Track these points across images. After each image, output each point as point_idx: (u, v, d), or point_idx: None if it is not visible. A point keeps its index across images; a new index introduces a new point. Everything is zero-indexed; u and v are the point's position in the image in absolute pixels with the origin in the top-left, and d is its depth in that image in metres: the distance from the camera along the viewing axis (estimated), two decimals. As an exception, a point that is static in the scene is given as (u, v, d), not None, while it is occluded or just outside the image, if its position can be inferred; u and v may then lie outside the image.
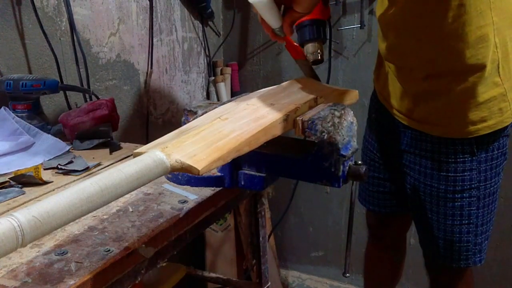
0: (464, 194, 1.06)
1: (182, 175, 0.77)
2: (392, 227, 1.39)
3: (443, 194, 1.08)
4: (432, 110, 1.04)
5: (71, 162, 0.92)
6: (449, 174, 1.06)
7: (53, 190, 0.82)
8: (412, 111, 1.09)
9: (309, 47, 0.99)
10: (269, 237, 1.97)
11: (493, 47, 0.94)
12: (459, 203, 1.07)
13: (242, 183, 0.78)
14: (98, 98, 1.15)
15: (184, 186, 0.80)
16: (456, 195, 1.07)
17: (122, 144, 1.08)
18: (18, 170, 0.86)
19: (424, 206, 1.13)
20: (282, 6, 0.78)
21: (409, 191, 1.18)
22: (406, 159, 1.16)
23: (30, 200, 0.78)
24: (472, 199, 1.06)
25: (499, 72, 0.97)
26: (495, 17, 0.91)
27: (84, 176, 0.88)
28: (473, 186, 1.05)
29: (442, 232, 1.11)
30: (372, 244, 1.48)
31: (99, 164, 0.94)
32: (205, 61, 2.00)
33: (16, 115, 1.07)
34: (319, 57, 0.99)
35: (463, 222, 1.08)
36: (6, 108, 1.08)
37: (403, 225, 1.40)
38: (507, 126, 1.02)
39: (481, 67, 0.95)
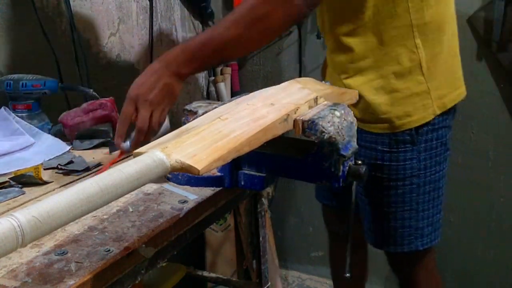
0: (406, 182, 1.12)
1: (182, 175, 0.77)
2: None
3: (386, 183, 1.13)
4: (368, 112, 1.09)
5: (71, 162, 0.92)
6: (392, 163, 1.11)
7: (53, 190, 0.82)
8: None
9: None
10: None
11: (412, 47, 1.03)
12: (401, 191, 1.13)
13: (242, 183, 0.78)
14: (98, 98, 1.15)
15: (184, 186, 0.80)
16: (398, 183, 1.12)
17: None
18: (18, 170, 0.86)
19: (368, 196, 1.18)
20: None
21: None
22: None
23: (30, 200, 0.78)
24: (413, 186, 1.12)
25: (422, 71, 1.05)
26: (414, 20, 1.00)
27: (84, 176, 0.88)
28: (413, 174, 1.11)
29: (386, 220, 1.16)
30: (333, 243, 1.51)
31: (99, 164, 0.94)
32: (205, 61, 1.99)
33: (16, 115, 1.07)
34: None
35: (405, 208, 1.14)
36: (6, 108, 1.09)
37: (359, 219, 1.42)
38: (431, 121, 1.08)
39: (397, 64, 1.04)
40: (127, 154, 0.87)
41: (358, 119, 0.86)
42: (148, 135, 0.85)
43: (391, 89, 1.05)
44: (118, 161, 0.89)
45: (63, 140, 1.05)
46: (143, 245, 0.64)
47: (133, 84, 0.85)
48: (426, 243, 1.18)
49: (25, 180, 0.83)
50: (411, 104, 1.06)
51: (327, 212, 1.47)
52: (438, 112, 1.09)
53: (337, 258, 1.50)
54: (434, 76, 1.07)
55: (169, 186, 0.82)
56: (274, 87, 0.80)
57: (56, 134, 1.09)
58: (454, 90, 1.12)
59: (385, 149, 1.12)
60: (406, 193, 1.13)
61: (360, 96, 1.05)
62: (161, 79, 0.83)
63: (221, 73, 2.02)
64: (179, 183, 0.79)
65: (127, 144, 0.85)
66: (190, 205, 0.75)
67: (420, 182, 1.13)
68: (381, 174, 1.14)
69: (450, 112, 1.11)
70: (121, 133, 0.86)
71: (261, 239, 1.09)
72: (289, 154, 0.76)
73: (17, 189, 0.81)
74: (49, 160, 0.95)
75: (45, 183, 0.84)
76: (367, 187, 1.18)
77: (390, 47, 1.02)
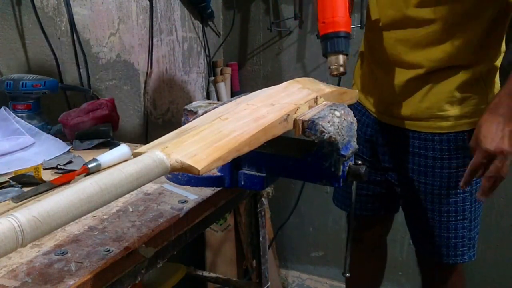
0: (459, 190, 1.09)
1: (182, 175, 0.77)
2: (373, 230, 1.39)
3: (438, 191, 1.10)
4: (419, 106, 1.08)
5: (70, 162, 0.92)
6: (443, 171, 1.08)
7: (53, 190, 0.82)
8: (396, 110, 1.12)
9: (332, 60, 0.99)
10: (272, 241, 1.97)
11: (489, 55, 1.05)
12: (453, 199, 1.09)
13: (242, 183, 0.78)
14: (98, 98, 1.15)
15: (184, 186, 0.80)
16: (451, 191, 1.09)
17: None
18: (18, 170, 0.86)
19: (418, 204, 1.14)
20: None
21: (401, 191, 1.19)
22: (396, 158, 1.17)
23: (30, 200, 0.78)
24: (466, 194, 1.09)
25: (487, 75, 1.06)
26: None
27: (84, 176, 0.88)
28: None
29: (437, 229, 1.13)
30: (353, 250, 1.47)
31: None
32: (205, 61, 2.00)
33: (16, 115, 1.07)
34: (342, 70, 0.98)
35: (458, 218, 1.10)
36: (6, 108, 1.09)
37: (384, 228, 1.41)
38: None
39: (480, 67, 1.03)
40: None
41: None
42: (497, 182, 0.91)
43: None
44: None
45: (63, 140, 1.05)
46: (143, 245, 0.64)
47: (478, 137, 0.92)
48: (476, 253, 1.15)
49: (25, 180, 0.83)
50: (469, 105, 1.06)
51: (351, 219, 1.44)
52: None
53: (356, 263, 1.47)
54: (490, 84, 1.08)
55: (169, 186, 0.82)
56: (274, 87, 0.80)
57: (56, 134, 1.09)
58: None
59: (436, 155, 1.09)
60: (458, 202, 1.10)
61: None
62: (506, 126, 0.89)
63: (221, 73, 2.02)
64: (179, 183, 0.79)
65: None
66: (190, 205, 0.75)
67: (472, 190, 1.10)
68: (431, 181, 1.10)
69: None
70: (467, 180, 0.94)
71: (261, 239, 1.08)
72: (289, 154, 0.76)
73: (17, 189, 0.81)
74: (49, 160, 0.95)
75: (45, 183, 0.84)
76: (416, 195, 1.14)
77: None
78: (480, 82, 1.06)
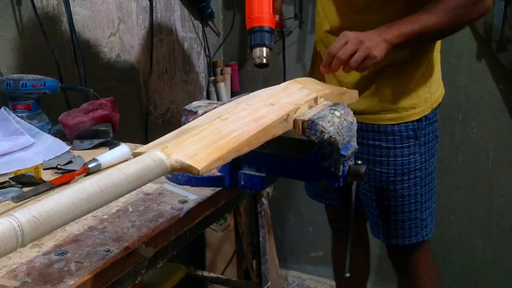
0: (410, 176, 1.18)
1: (182, 175, 0.77)
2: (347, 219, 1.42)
3: (393, 178, 1.18)
4: (368, 101, 1.15)
5: (70, 162, 0.92)
6: (397, 159, 1.17)
7: (53, 190, 0.82)
8: (350, 106, 1.18)
9: (256, 51, 1.06)
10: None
11: (432, 48, 1.14)
12: (406, 184, 1.18)
13: (242, 183, 0.78)
14: (98, 98, 1.15)
15: (184, 186, 0.79)
16: (404, 177, 1.18)
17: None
18: (18, 170, 0.86)
19: (374, 192, 1.22)
20: None
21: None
22: None
23: (30, 200, 0.78)
24: (417, 179, 1.19)
25: (427, 67, 1.15)
26: None
27: (84, 176, 0.88)
28: (417, 167, 1.18)
29: (393, 214, 1.21)
30: (336, 241, 1.54)
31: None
32: (205, 61, 1.99)
33: (16, 115, 1.07)
34: (264, 61, 1.07)
35: (411, 201, 1.20)
36: (6, 108, 1.09)
37: (360, 216, 1.44)
38: (431, 113, 1.17)
39: (421, 61, 1.13)
40: None
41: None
42: (339, 66, 0.99)
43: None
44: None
45: (63, 140, 1.05)
46: (143, 245, 0.64)
47: (348, 33, 0.99)
48: (429, 232, 1.25)
49: (25, 180, 0.83)
50: (416, 97, 1.15)
51: (329, 211, 1.50)
52: (435, 105, 1.18)
53: (340, 257, 1.51)
54: (432, 72, 1.17)
55: (169, 186, 0.82)
56: (274, 87, 0.80)
57: (56, 134, 1.09)
58: (439, 87, 1.21)
59: (390, 145, 1.16)
60: (411, 186, 1.18)
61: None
62: (374, 37, 0.98)
63: (221, 73, 2.02)
64: (179, 183, 0.79)
65: None
66: (190, 205, 0.75)
67: (422, 175, 1.19)
68: (386, 169, 1.18)
69: (438, 107, 1.20)
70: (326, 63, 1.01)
71: (261, 239, 1.08)
72: (289, 154, 0.76)
73: (17, 189, 0.81)
74: (49, 160, 0.95)
75: (45, 183, 0.84)
76: (371, 183, 1.22)
77: None
78: (424, 73, 1.15)
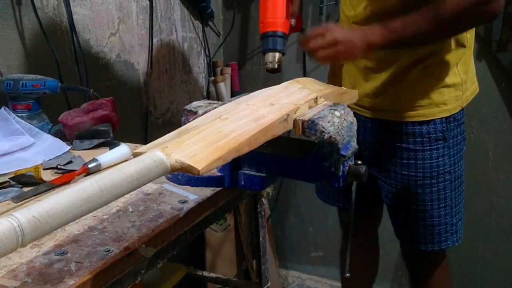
0: (440, 179, 1.14)
1: (182, 175, 0.77)
2: (362, 223, 1.40)
3: (421, 181, 1.14)
4: (398, 96, 1.11)
5: (70, 162, 0.92)
6: (425, 162, 1.13)
7: (53, 190, 0.82)
8: (375, 101, 1.15)
9: (268, 56, 1.07)
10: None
11: (468, 42, 1.10)
12: (435, 188, 1.14)
13: (242, 183, 0.78)
14: (98, 98, 1.15)
15: (184, 186, 0.80)
16: (433, 181, 1.14)
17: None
18: (18, 170, 0.86)
19: (401, 196, 1.18)
20: None
21: (383, 184, 1.21)
22: (378, 153, 1.20)
23: (30, 200, 0.78)
24: (446, 183, 1.15)
25: (462, 62, 1.11)
26: None
27: (84, 176, 0.88)
28: (446, 170, 1.14)
29: (422, 218, 1.17)
30: (346, 243, 1.50)
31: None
32: (205, 61, 1.99)
33: (16, 115, 1.07)
34: (276, 66, 1.06)
35: (440, 205, 1.16)
36: (6, 108, 1.09)
37: (372, 220, 1.44)
38: (459, 113, 1.13)
39: (457, 55, 1.09)
40: None
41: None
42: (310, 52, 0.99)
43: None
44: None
45: (63, 140, 1.05)
46: (143, 245, 0.64)
47: (333, 27, 0.99)
48: (459, 238, 1.21)
49: (25, 180, 0.83)
50: (448, 93, 1.10)
51: (342, 214, 1.46)
52: (465, 104, 1.13)
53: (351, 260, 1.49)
54: (466, 69, 1.12)
55: (169, 186, 0.82)
56: (274, 87, 0.80)
57: (56, 134, 1.09)
58: (472, 85, 1.16)
59: (418, 147, 1.13)
60: (440, 190, 1.15)
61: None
62: (356, 38, 0.96)
63: (221, 73, 2.02)
64: (179, 183, 0.79)
65: None
66: (190, 205, 0.75)
67: (451, 178, 1.15)
68: (414, 173, 1.14)
69: (465, 107, 1.15)
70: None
71: (261, 239, 1.08)
72: (289, 154, 0.76)
73: (17, 189, 0.81)
74: (49, 160, 0.95)
75: (45, 183, 0.84)
76: (398, 187, 1.18)
77: None
78: (458, 69, 1.10)
